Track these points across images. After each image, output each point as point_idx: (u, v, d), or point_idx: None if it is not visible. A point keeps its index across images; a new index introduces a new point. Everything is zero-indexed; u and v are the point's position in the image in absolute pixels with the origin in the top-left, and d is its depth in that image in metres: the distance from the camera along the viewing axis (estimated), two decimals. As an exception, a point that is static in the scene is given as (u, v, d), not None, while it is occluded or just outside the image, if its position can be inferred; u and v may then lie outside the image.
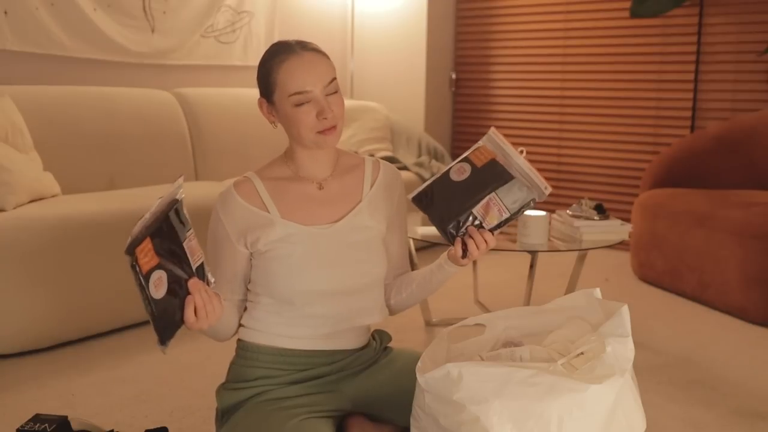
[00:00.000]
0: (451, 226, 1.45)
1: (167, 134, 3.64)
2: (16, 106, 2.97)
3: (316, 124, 1.44)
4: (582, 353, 1.29)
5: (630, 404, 1.26)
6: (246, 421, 1.42)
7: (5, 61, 3.31)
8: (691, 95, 4.26)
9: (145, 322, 2.93)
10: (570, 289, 2.96)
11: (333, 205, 1.52)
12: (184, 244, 1.25)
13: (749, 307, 3.10)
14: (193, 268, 1.27)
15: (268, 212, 1.48)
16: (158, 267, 1.18)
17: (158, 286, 1.18)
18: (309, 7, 4.79)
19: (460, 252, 1.44)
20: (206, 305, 1.27)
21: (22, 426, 1.60)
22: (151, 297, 1.17)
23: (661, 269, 3.57)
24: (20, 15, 3.30)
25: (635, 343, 1.28)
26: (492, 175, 1.44)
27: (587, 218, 2.83)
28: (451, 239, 1.46)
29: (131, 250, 1.14)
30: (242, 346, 1.54)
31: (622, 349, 1.25)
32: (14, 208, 2.68)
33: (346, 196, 1.54)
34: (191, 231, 1.28)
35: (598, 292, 1.41)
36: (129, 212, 2.85)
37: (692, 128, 4.27)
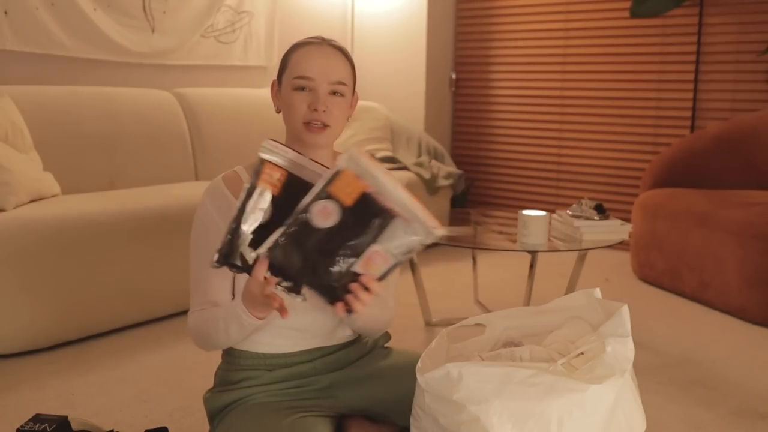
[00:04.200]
0: (325, 289, 1.17)
1: (167, 134, 3.64)
2: (16, 106, 2.97)
3: (306, 114, 1.41)
4: (582, 353, 1.29)
5: (630, 404, 1.26)
6: (241, 421, 1.41)
7: (5, 61, 3.31)
8: (691, 95, 4.26)
9: (145, 323, 2.93)
10: (570, 289, 2.96)
11: None
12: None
13: (749, 307, 3.10)
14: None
15: None
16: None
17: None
18: (309, 7, 4.79)
19: (343, 313, 1.19)
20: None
21: (22, 426, 1.60)
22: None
23: (661, 269, 3.57)
24: (20, 15, 3.30)
25: (635, 343, 1.28)
26: (369, 218, 1.14)
27: (587, 218, 2.83)
28: (331, 301, 1.19)
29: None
30: (225, 351, 1.54)
31: (622, 349, 1.25)
32: (14, 208, 2.68)
33: None
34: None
35: (598, 292, 1.41)
36: (129, 212, 2.85)
37: (692, 128, 4.27)
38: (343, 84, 1.44)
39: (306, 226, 1.13)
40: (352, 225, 1.13)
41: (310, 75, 1.41)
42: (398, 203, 1.14)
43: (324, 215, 1.12)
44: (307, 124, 1.41)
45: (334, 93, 1.43)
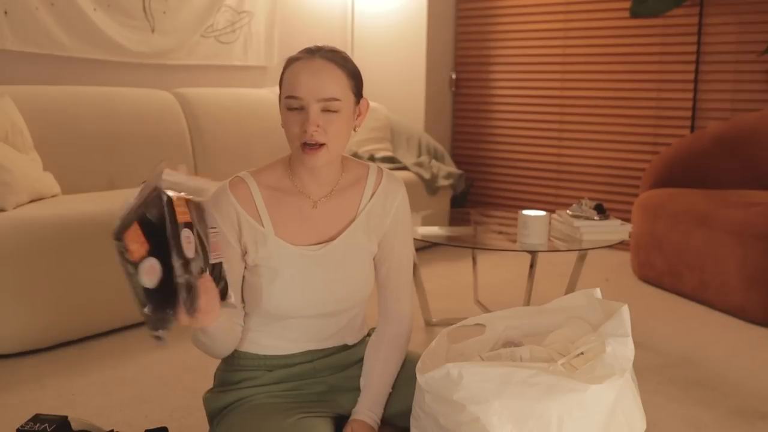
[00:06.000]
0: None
1: (167, 134, 3.64)
2: (16, 106, 2.97)
3: (300, 135, 1.36)
4: (582, 353, 1.29)
5: (630, 404, 1.26)
6: (242, 422, 1.41)
7: (5, 61, 3.31)
8: (691, 95, 4.26)
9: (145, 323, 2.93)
10: (570, 289, 2.96)
11: (326, 224, 1.47)
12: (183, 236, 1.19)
13: (749, 307, 3.10)
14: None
15: (263, 226, 1.43)
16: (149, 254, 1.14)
17: (150, 274, 1.14)
18: (309, 7, 4.79)
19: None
20: (210, 304, 1.23)
21: (22, 426, 1.60)
22: (143, 286, 1.14)
23: (661, 269, 3.57)
24: (20, 15, 3.30)
25: (635, 343, 1.28)
26: (202, 217, 1.26)
27: (587, 218, 2.83)
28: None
29: (119, 236, 1.11)
30: None
31: (622, 349, 1.25)
32: (14, 208, 2.68)
33: (340, 215, 1.48)
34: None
35: (598, 292, 1.41)
36: (129, 212, 2.85)
37: (692, 128, 4.27)
38: (336, 99, 1.36)
39: (184, 257, 1.18)
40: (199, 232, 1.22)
41: (299, 95, 1.36)
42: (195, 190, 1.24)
43: (188, 242, 1.19)
44: (304, 145, 1.37)
45: (327, 110, 1.36)
